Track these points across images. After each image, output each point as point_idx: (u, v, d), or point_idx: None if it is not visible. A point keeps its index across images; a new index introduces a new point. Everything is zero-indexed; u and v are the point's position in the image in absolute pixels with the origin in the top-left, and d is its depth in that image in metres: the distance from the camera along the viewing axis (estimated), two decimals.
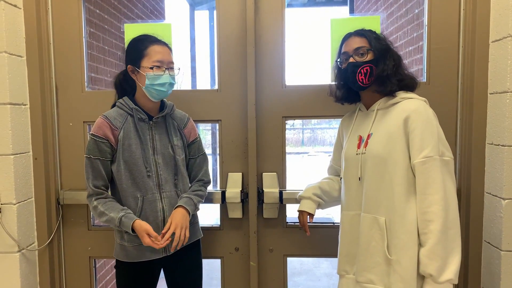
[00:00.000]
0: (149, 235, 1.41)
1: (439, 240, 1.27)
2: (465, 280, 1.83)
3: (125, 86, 1.58)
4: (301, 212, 1.63)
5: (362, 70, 1.40)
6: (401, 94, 1.42)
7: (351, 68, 1.42)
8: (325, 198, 1.63)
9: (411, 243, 1.32)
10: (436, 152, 1.31)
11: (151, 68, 1.48)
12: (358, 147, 1.46)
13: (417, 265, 1.31)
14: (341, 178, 1.56)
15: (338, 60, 1.50)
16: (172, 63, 1.53)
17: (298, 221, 1.65)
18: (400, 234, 1.33)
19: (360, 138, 1.47)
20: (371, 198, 1.40)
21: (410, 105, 1.37)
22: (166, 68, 1.50)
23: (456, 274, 1.28)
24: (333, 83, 1.57)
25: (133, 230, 1.43)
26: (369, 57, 1.42)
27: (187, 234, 1.50)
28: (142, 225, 1.42)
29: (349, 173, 1.49)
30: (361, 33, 1.45)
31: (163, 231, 1.46)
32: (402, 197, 1.34)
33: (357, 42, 1.43)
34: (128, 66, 1.52)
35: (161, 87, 1.49)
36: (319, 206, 1.64)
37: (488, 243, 1.74)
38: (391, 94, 1.43)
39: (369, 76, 1.41)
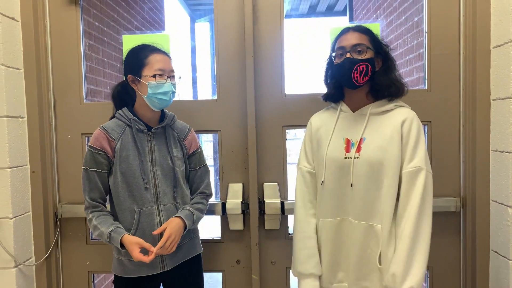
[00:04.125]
0: (141, 249, 1.37)
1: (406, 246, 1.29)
2: None
3: (124, 97, 1.55)
4: None
5: (358, 68, 1.35)
6: (394, 102, 1.41)
7: (348, 64, 1.36)
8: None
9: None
10: (424, 163, 1.32)
11: (154, 76, 1.45)
12: (347, 150, 1.39)
13: None
14: (322, 182, 1.43)
15: (333, 54, 1.44)
16: (173, 71, 1.51)
17: None
18: (392, 242, 1.33)
19: (348, 142, 1.40)
20: (366, 205, 1.36)
21: (406, 113, 1.38)
22: (168, 77, 1.48)
23: (418, 283, 1.27)
24: (324, 80, 1.53)
25: (122, 246, 1.39)
26: (368, 55, 1.37)
27: (174, 248, 1.44)
28: (132, 239, 1.38)
29: (335, 178, 1.40)
30: (361, 29, 1.41)
31: (154, 233, 1.42)
32: (394, 203, 1.34)
33: (356, 38, 1.38)
34: (128, 76, 1.49)
35: (163, 96, 1.47)
36: None
37: (496, 252, 1.70)
38: (383, 98, 1.41)
39: (363, 75, 1.36)
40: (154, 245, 1.43)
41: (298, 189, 1.53)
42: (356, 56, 1.37)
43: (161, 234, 1.43)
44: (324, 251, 1.45)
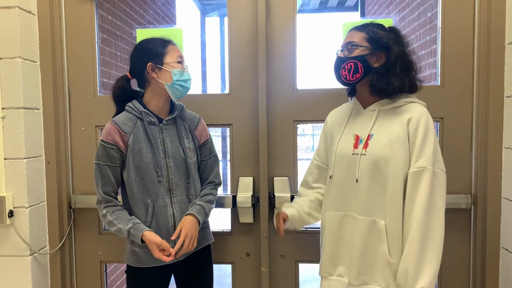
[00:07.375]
0: (161, 248, 1.41)
1: (413, 249, 1.28)
2: None
3: (127, 93, 1.53)
4: (278, 214, 1.58)
5: (346, 66, 1.38)
6: (403, 98, 1.38)
7: (336, 62, 1.42)
8: (302, 215, 1.56)
9: None
10: (429, 163, 1.29)
11: (179, 62, 1.49)
12: (355, 146, 1.40)
13: None
14: (330, 176, 1.47)
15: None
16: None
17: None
18: (400, 238, 1.33)
19: (357, 138, 1.41)
20: (370, 201, 1.36)
21: (414, 111, 1.35)
22: (186, 66, 1.52)
23: (430, 284, 1.26)
24: None
25: (142, 241, 1.42)
26: (356, 53, 1.37)
27: (195, 244, 1.48)
28: (152, 239, 1.40)
29: (342, 173, 1.42)
30: (360, 26, 1.41)
31: (172, 238, 1.45)
32: (402, 201, 1.33)
33: (352, 37, 1.40)
34: (149, 64, 1.47)
35: (185, 83, 1.50)
36: (294, 219, 1.56)
37: (506, 249, 1.70)
38: (385, 97, 1.39)
39: (353, 72, 1.37)
40: (168, 235, 1.47)
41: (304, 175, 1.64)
42: (346, 54, 1.39)
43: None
44: (325, 243, 1.48)
